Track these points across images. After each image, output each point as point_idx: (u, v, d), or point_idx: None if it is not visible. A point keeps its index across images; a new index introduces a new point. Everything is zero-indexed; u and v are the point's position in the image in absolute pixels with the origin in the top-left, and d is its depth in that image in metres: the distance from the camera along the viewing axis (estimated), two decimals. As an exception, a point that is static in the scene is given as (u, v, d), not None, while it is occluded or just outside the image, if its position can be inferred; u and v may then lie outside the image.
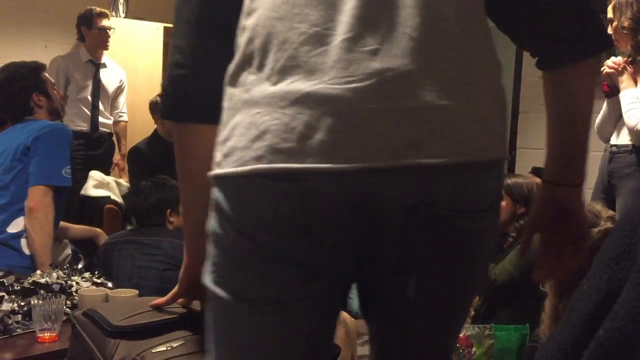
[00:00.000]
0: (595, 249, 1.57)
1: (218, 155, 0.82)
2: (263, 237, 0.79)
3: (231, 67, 0.85)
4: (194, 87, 0.93)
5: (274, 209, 0.78)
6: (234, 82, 0.84)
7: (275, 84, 0.79)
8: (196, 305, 1.10)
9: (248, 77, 0.82)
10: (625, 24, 2.64)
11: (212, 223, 0.84)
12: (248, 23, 0.84)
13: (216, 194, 0.83)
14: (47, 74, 2.56)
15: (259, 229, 0.79)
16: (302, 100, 0.76)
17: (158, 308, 1.07)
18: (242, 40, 0.84)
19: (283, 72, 0.79)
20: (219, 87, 0.87)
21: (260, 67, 0.81)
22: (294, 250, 0.80)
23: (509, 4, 0.93)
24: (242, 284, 0.82)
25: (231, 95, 0.83)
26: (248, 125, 0.79)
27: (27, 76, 2.47)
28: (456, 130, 0.79)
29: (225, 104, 0.84)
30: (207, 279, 0.85)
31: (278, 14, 0.81)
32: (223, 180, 0.81)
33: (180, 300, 1.09)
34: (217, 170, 0.82)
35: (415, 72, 0.78)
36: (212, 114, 0.89)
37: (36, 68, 2.53)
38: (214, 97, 0.88)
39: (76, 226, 2.78)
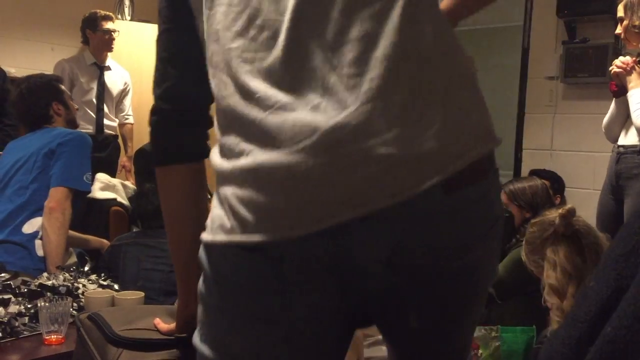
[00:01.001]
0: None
1: (208, 221, 0.84)
2: (241, 299, 0.81)
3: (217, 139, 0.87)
4: (167, 131, 0.97)
5: (249, 274, 0.79)
6: (215, 153, 0.85)
7: (237, 157, 0.79)
8: None
9: (220, 151, 0.84)
10: (637, 22, 2.62)
11: (200, 283, 0.86)
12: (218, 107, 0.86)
13: (202, 256, 0.85)
14: (62, 86, 2.69)
15: (237, 291, 0.81)
16: (258, 172, 0.76)
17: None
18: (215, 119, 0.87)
19: (241, 148, 0.79)
20: (191, 130, 0.96)
21: (225, 144, 0.82)
22: (271, 311, 0.80)
23: None
24: (224, 342, 0.83)
25: (214, 165, 0.85)
26: (223, 199, 0.81)
27: (47, 86, 2.58)
28: (410, 161, 0.73)
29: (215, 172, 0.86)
30: (195, 337, 0.87)
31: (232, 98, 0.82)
32: (208, 246, 0.84)
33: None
34: (204, 237, 0.84)
35: (357, 115, 0.73)
36: (188, 154, 0.97)
37: (55, 79, 2.69)
38: (187, 139, 0.96)
39: (84, 236, 2.83)
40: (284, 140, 0.75)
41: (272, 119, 0.76)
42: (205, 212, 0.99)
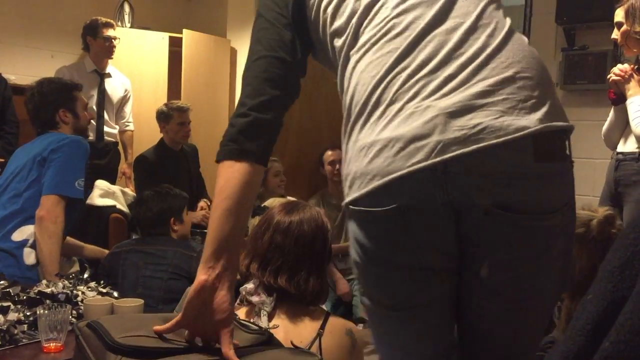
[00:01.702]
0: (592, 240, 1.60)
1: (345, 189, 1.03)
2: (384, 253, 1.00)
3: (344, 125, 1.07)
4: (259, 135, 1.10)
5: (386, 228, 0.98)
6: (349, 135, 1.04)
7: (380, 128, 0.98)
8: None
9: (356, 128, 1.02)
10: (638, 28, 2.60)
11: (352, 252, 1.06)
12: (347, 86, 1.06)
13: (350, 225, 1.03)
14: (81, 94, 2.64)
15: (380, 247, 1.00)
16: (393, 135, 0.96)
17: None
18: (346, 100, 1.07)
19: (386, 114, 0.98)
20: (270, 136, 1.11)
21: (368, 119, 1.00)
22: (412, 257, 0.99)
23: None
24: (377, 296, 1.05)
25: (347, 148, 1.05)
26: (360, 157, 0.99)
27: (59, 92, 2.54)
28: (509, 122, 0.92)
29: (345, 154, 1.05)
30: (358, 290, 1.11)
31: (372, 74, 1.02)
32: (350, 210, 1.02)
33: (185, 335, 1.06)
34: (347, 199, 1.02)
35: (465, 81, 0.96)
36: (266, 158, 1.11)
37: (69, 86, 2.62)
38: (266, 142, 1.10)
39: (88, 246, 2.82)
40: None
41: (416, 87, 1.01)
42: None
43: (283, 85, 1.13)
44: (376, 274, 1.03)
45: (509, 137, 0.91)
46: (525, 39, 1.05)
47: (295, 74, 1.16)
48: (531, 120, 0.92)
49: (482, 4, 1.03)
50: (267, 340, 1.13)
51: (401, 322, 1.05)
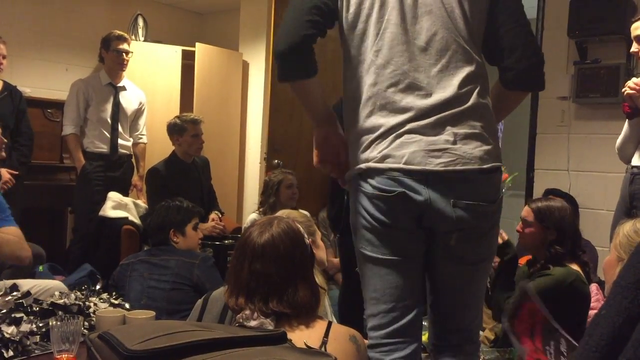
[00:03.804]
0: None
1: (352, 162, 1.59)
2: (387, 219, 1.54)
3: (346, 112, 1.61)
4: (295, 58, 1.51)
5: (391, 203, 1.50)
6: (361, 147, 1.56)
7: (381, 117, 1.53)
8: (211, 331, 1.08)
9: (360, 115, 1.55)
10: None
11: (357, 219, 1.60)
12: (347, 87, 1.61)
13: (362, 201, 1.56)
14: None
15: (384, 215, 1.53)
16: (391, 130, 1.52)
17: (174, 331, 1.06)
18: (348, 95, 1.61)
19: (383, 113, 1.52)
20: (308, 58, 1.52)
21: (362, 111, 1.55)
22: (402, 222, 1.53)
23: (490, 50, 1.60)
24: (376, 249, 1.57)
25: (356, 152, 1.57)
26: (359, 143, 1.56)
27: None
28: (467, 152, 1.50)
29: (346, 132, 1.62)
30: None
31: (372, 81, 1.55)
32: (364, 191, 1.55)
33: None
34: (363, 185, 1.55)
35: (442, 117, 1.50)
36: (309, 70, 1.53)
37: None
38: (307, 62, 1.52)
39: None
40: (410, 115, 1.55)
41: (405, 94, 1.56)
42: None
43: (323, 17, 1.50)
44: (378, 232, 1.53)
45: (460, 168, 1.47)
46: (488, 100, 1.56)
47: (331, 22, 1.54)
48: (476, 160, 1.48)
49: (465, 73, 1.50)
50: (283, 335, 1.13)
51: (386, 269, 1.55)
